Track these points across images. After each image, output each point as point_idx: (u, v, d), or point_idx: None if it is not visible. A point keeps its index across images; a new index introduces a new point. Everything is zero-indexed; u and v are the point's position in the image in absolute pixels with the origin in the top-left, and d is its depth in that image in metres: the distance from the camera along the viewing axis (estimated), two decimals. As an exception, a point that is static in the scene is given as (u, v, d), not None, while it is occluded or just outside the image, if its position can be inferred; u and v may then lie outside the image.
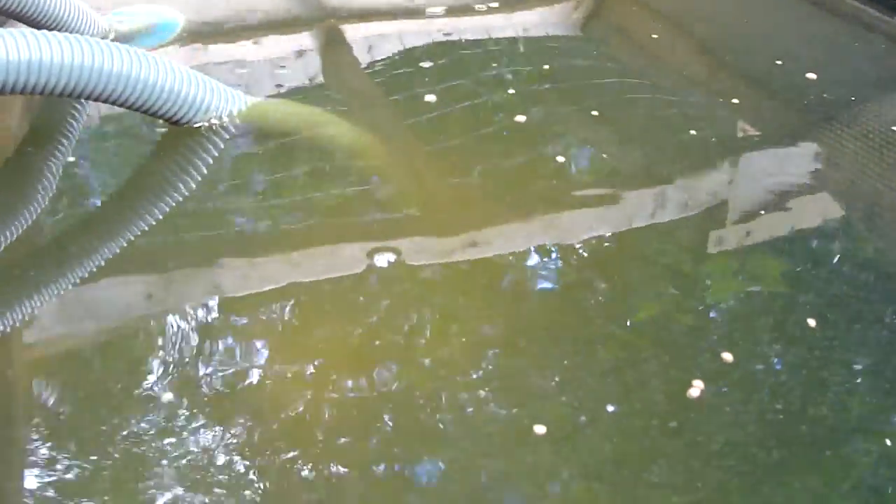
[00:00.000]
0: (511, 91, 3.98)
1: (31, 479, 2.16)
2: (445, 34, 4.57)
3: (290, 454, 2.24)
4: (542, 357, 2.57)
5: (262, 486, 2.17)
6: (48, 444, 2.25)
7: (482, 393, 2.44)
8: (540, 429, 2.32)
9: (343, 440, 2.29)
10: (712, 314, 2.78)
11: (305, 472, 2.20)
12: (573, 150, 3.64)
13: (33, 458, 2.21)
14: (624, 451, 2.30)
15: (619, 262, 2.99)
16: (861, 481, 2.27)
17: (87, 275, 2.82)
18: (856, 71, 4.29)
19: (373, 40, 4.49)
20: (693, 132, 3.73)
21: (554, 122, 3.78)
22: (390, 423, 2.34)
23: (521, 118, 3.72)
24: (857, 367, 2.58)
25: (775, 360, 2.59)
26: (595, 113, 3.82)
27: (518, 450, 2.28)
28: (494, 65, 4.27)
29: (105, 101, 3.20)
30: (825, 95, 4.01)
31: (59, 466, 2.20)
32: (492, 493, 2.19)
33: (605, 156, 3.63)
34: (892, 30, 4.66)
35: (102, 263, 2.86)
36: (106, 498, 2.12)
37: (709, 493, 2.21)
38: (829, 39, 4.71)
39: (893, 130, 3.75)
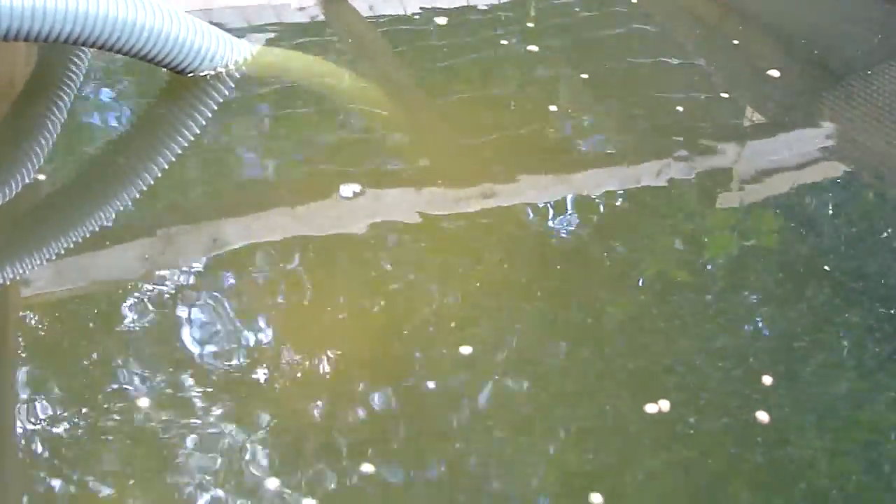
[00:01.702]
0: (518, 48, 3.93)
1: (24, 434, 2.15)
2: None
3: (292, 413, 2.25)
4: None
5: (263, 446, 2.17)
6: (40, 402, 2.23)
7: (484, 347, 2.45)
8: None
9: (351, 395, 2.29)
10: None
11: (309, 430, 2.21)
12: (580, 109, 3.61)
13: (24, 416, 2.20)
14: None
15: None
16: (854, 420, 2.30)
17: (89, 227, 2.79)
18: (859, 34, 4.25)
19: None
20: (695, 86, 3.71)
21: (563, 80, 3.74)
22: (395, 380, 2.34)
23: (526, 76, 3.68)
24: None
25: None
26: (601, 72, 3.79)
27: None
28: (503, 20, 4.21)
29: (108, 50, 3.14)
30: (829, 58, 3.98)
31: (50, 425, 2.18)
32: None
33: (611, 118, 3.60)
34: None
35: (104, 215, 2.84)
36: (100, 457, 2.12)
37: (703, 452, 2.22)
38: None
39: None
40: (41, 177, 2.98)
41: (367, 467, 2.11)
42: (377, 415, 2.26)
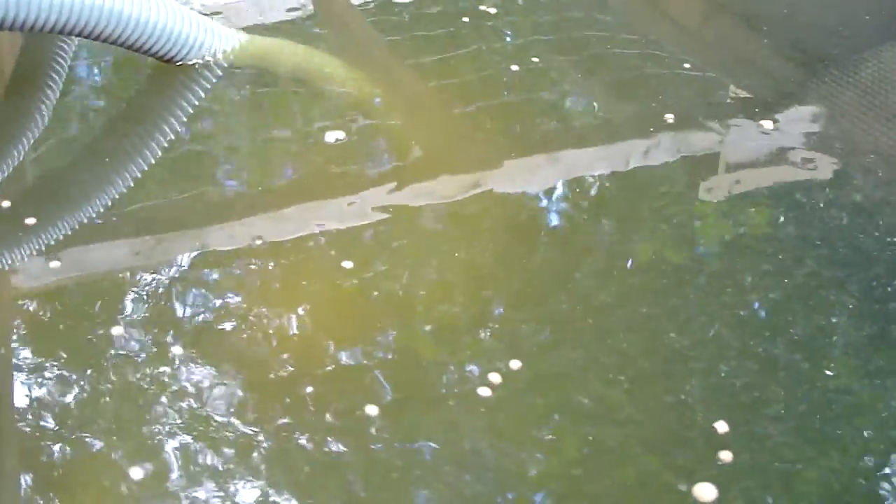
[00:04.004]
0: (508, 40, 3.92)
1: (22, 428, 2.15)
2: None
3: (284, 406, 2.24)
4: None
5: (256, 437, 2.17)
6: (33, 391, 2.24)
7: (483, 333, 2.44)
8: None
9: (344, 388, 2.29)
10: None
11: (296, 421, 2.20)
12: (570, 97, 3.61)
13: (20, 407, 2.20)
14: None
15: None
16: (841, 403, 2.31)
17: (74, 218, 2.77)
18: (853, 18, 4.24)
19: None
20: (685, 80, 3.70)
21: (553, 67, 3.73)
22: (392, 373, 2.33)
23: (515, 67, 3.67)
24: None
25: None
26: (591, 61, 3.79)
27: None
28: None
29: (94, 39, 3.12)
30: (822, 44, 3.97)
31: (44, 412, 2.19)
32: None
33: (599, 104, 3.59)
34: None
35: (90, 207, 2.82)
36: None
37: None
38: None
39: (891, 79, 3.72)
40: (28, 167, 2.96)
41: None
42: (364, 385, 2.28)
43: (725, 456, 2.14)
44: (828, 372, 2.38)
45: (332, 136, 3.17)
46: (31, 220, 2.70)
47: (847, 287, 2.65)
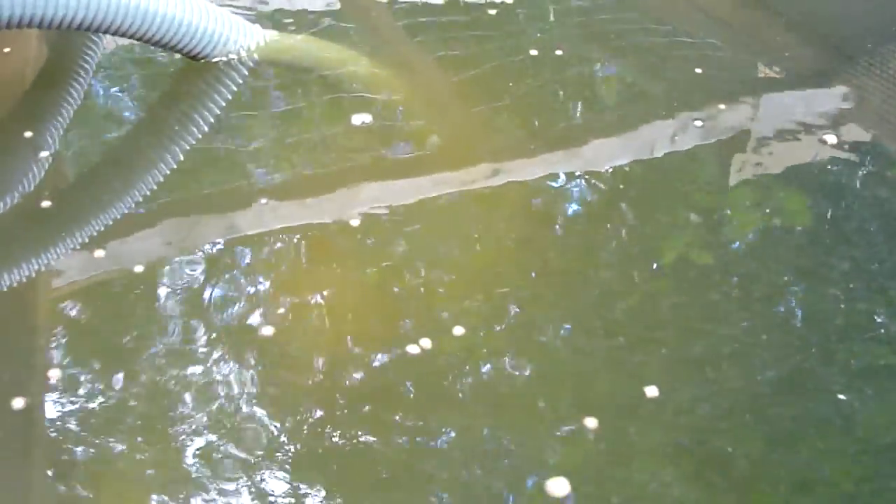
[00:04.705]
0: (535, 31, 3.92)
1: (53, 411, 2.17)
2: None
3: (306, 395, 2.24)
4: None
5: (279, 423, 2.17)
6: (71, 386, 2.25)
7: (502, 325, 2.44)
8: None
9: (360, 377, 2.29)
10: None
11: (321, 410, 2.20)
12: (595, 88, 3.60)
13: (57, 395, 2.22)
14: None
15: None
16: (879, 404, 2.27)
17: (105, 215, 2.79)
18: (881, 9, 4.21)
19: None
20: (713, 69, 3.68)
21: (579, 59, 3.72)
22: (410, 364, 2.33)
23: (535, 52, 3.66)
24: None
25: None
26: (617, 49, 3.78)
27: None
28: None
29: (122, 36, 3.15)
30: (850, 34, 3.94)
31: (82, 404, 2.20)
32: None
33: (627, 89, 3.58)
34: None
35: (120, 204, 2.83)
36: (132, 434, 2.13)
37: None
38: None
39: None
40: (58, 164, 2.98)
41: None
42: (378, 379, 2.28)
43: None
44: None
45: (357, 126, 3.18)
46: (62, 219, 2.73)
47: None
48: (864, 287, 2.58)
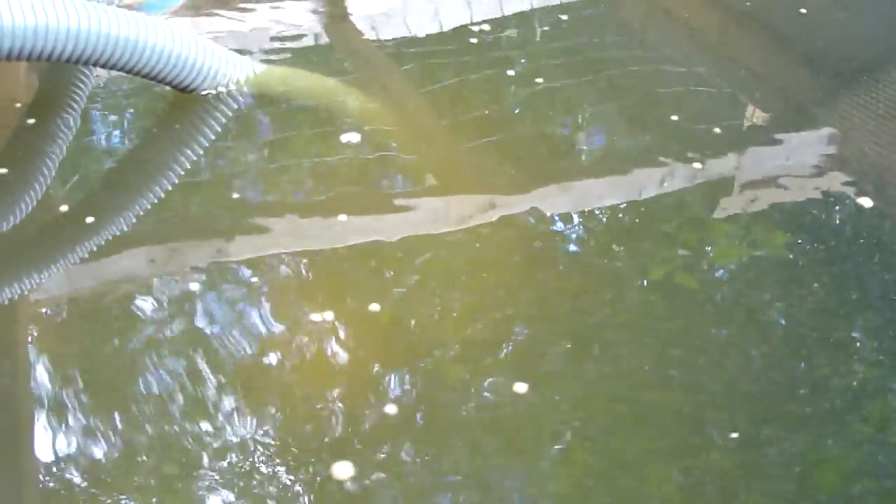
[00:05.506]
0: (523, 62, 3.94)
1: (41, 445, 2.17)
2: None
3: (297, 425, 2.25)
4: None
5: (270, 449, 2.17)
6: (53, 409, 2.26)
7: (499, 355, 2.44)
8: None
9: (359, 408, 2.29)
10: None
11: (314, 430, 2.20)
12: (584, 123, 3.62)
13: (40, 423, 2.22)
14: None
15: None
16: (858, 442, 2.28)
17: (95, 244, 2.80)
18: (867, 37, 4.25)
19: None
20: (700, 97, 3.70)
21: (566, 95, 3.75)
22: (404, 396, 2.33)
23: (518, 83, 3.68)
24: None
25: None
26: (603, 85, 3.81)
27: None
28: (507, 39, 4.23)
29: (111, 68, 3.16)
30: (840, 61, 3.97)
31: (64, 428, 2.21)
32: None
33: (614, 128, 3.60)
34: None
35: (109, 233, 2.84)
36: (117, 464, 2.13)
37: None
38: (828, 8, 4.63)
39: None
40: (51, 193, 3.00)
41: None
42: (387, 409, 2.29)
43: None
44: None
45: (345, 162, 3.19)
46: (51, 246, 2.75)
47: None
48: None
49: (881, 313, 2.64)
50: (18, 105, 3.36)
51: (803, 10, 4.28)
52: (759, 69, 3.96)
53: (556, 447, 2.22)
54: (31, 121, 3.28)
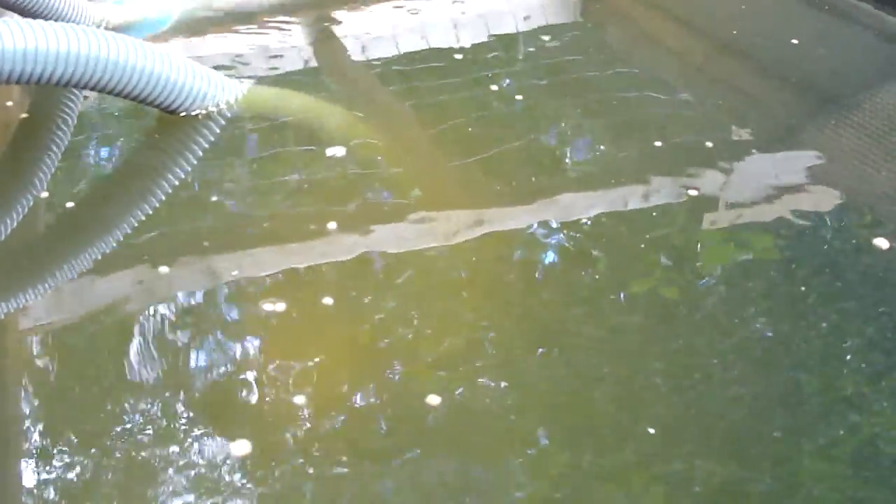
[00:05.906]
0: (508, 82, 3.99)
1: (27, 471, 2.17)
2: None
3: (287, 443, 2.25)
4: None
5: (259, 473, 2.18)
6: (42, 432, 2.26)
7: (483, 369, 2.47)
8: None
9: (344, 427, 2.30)
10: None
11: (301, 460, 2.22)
12: (568, 141, 3.67)
13: (28, 445, 2.23)
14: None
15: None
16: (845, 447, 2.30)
17: (81, 264, 2.82)
18: (850, 62, 4.30)
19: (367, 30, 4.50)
20: (686, 120, 3.74)
21: (551, 112, 3.79)
22: (393, 412, 2.36)
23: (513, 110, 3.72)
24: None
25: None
26: (590, 105, 3.85)
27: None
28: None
29: (100, 91, 3.20)
30: (822, 86, 4.01)
31: (54, 453, 2.21)
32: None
33: (599, 147, 3.64)
34: (879, 24, 4.65)
35: (96, 253, 2.87)
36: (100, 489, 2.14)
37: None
38: (818, 32, 4.68)
39: (890, 120, 3.76)
40: (39, 213, 3.02)
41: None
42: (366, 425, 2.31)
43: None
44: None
45: (332, 181, 3.23)
46: (37, 267, 2.77)
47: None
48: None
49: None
50: (8, 127, 3.40)
51: (795, 41, 4.33)
52: (746, 92, 4.00)
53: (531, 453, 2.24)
54: (21, 142, 3.31)
